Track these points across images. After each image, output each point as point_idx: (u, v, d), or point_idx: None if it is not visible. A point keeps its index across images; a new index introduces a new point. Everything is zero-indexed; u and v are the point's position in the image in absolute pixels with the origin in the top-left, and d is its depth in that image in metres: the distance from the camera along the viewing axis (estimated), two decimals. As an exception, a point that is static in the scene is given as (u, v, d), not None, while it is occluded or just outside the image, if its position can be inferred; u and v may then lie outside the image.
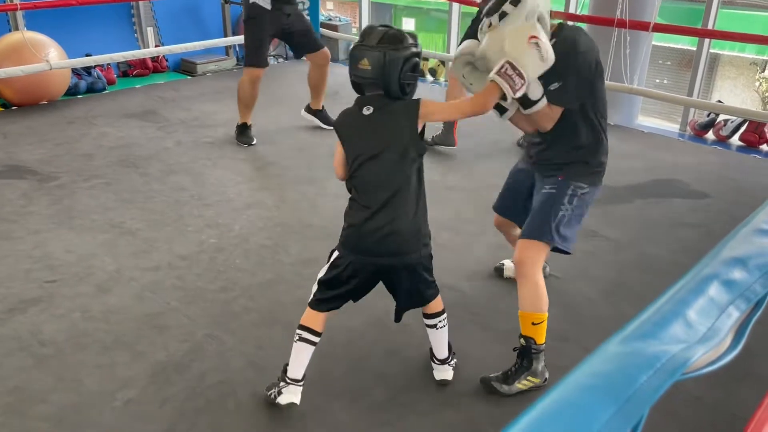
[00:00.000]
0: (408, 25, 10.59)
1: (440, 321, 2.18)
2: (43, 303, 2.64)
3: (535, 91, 2.00)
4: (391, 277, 2.02)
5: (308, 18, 4.50)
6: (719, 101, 5.44)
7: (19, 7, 4.89)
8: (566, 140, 2.19)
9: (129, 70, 6.24)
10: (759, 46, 9.26)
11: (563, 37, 2.05)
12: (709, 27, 4.94)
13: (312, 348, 2.02)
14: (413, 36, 1.89)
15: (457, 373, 2.26)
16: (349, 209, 1.99)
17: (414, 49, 1.85)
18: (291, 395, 2.03)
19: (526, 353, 2.16)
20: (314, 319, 2.02)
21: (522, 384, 2.16)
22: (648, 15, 4.74)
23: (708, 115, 5.06)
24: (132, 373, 2.25)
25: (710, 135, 5.01)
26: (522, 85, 1.84)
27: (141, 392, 2.15)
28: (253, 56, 4.28)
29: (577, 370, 0.51)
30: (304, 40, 4.43)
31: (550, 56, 1.86)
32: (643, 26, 4.69)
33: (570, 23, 2.20)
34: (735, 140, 4.90)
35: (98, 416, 2.06)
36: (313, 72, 4.53)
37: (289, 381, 2.03)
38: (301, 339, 2.02)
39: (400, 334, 2.46)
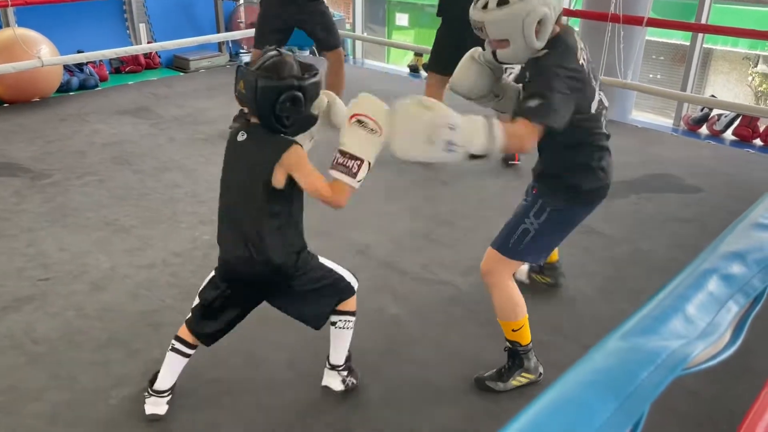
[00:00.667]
0: (401, 20, 10.57)
1: (340, 320, 2.06)
2: (37, 301, 2.62)
3: (476, 141, 1.67)
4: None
5: (329, 14, 4.33)
6: (712, 96, 5.45)
7: (10, 3, 4.84)
8: (547, 157, 2.07)
9: (121, 67, 6.21)
10: (752, 40, 9.29)
11: (555, 48, 1.86)
12: (703, 22, 4.94)
13: None
14: (308, 68, 1.76)
15: (454, 370, 2.26)
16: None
17: (294, 82, 1.69)
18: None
19: (515, 354, 2.16)
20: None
21: (517, 381, 2.16)
22: (641, 10, 4.74)
23: (701, 110, 5.07)
24: (127, 371, 2.24)
25: (704, 130, 5.02)
26: (358, 166, 1.69)
27: (136, 389, 2.14)
28: (255, 37, 4.38)
29: (578, 366, 0.51)
30: (317, 36, 4.36)
31: (383, 127, 1.68)
32: (637, 21, 4.69)
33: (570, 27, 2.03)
34: (728, 135, 4.92)
35: (93, 413, 2.06)
36: (327, 71, 4.42)
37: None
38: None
39: (394, 330, 2.46)
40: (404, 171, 3.75)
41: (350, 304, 2.05)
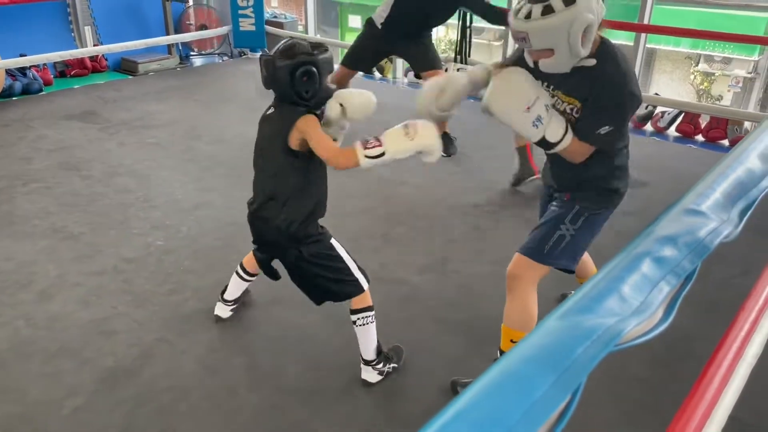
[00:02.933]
0: (354, 22, 10.59)
1: (358, 318, 2.16)
2: (-18, 312, 2.54)
3: (555, 132, 1.85)
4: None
5: (429, 46, 4.27)
6: (656, 94, 5.64)
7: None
8: (580, 166, 1.99)
9: (66, 70, 6.04)
10: (693, 40, 9.66)
11: (609, 70, 1.84)
12: (645, 22, 5.11)
13: None
14: (318, 47, 1.96)
15: (408, 367, 2.29)
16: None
17: (307, 59, 1.91)
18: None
19: None
20: None
21: None
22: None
23: (646, 108, 5.25)
24: (79, 380, 2.19)
25: (648, 127, 5.20)
26: (375, 146, 1.83)
27: (89, 399, 2.10)
28: (350, 57, 4.33)
29: (519, 344, 0.53)
30: (415, 61, 4.39)
31: (420, 136, 1.83)
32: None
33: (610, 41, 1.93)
34: (672, 131, 5.10)
35: (46, 425, 2.00)
36: None
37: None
38: None
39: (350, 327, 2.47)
40: (360, 173, 3.77)
41: (364, 300, 2.15)
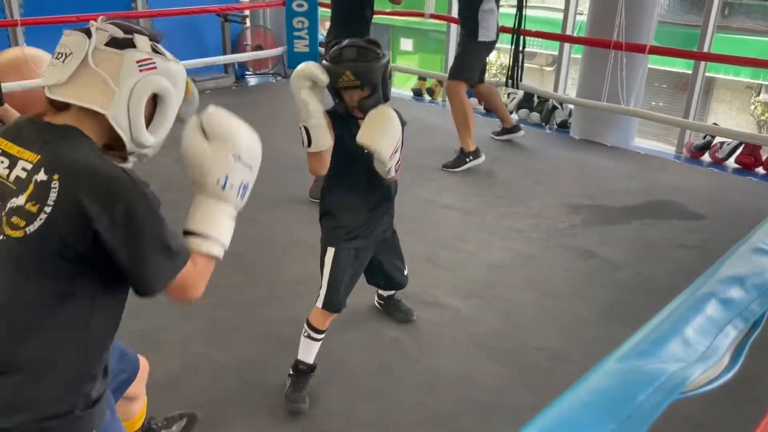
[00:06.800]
0: (406, 45, 10.69)
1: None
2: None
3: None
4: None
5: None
6: (715, 124, 5.47)
7: (19, 23, 4.92)
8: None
9: (128, 87, 6.26)
10: (754, 69, 9.36)
11: None
12: (705, 50, 4.99)
13: None
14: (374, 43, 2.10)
15: (446, 392, 2.24)
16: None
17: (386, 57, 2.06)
18: None
19: None
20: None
21: None
22: (644, 38, 4.79)
23: (704, 138, 5.09)
24: (124, 390, 2.22)
25: (706, 157, 5.03)
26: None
27: (132, 409, 2.12)
28: (466, 72, 4.49)
29: (575, 387, 0.50)
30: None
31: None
32: (639, 48, 4.73)
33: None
34: (731, 162, 4.92)
35: None
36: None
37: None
38: None
39: (391, 351, 2.44)
40: (405, 194, 3.76)
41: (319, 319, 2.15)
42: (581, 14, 5.83)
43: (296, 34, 6.75)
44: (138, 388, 1.72)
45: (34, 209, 1.11)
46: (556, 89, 5.72)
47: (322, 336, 2.15)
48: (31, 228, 1.11)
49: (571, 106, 5.52)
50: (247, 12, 7.08)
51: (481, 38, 4.35)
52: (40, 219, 1.11)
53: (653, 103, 9.67)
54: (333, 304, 2.11)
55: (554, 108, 5.65)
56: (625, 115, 4.96)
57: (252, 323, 2.61)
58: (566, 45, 5.67)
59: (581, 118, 5.33)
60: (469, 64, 4.50)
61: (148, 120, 1.23)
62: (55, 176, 1.12)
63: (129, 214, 1.13)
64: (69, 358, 1.18)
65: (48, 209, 1.11)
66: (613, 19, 4.68)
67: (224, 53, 6.70)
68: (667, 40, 7.20)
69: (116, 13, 5.52)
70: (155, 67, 1.20)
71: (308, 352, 2.15)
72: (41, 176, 1.12)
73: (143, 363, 1.70)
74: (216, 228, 1.30)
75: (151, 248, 1.17)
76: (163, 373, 2.30)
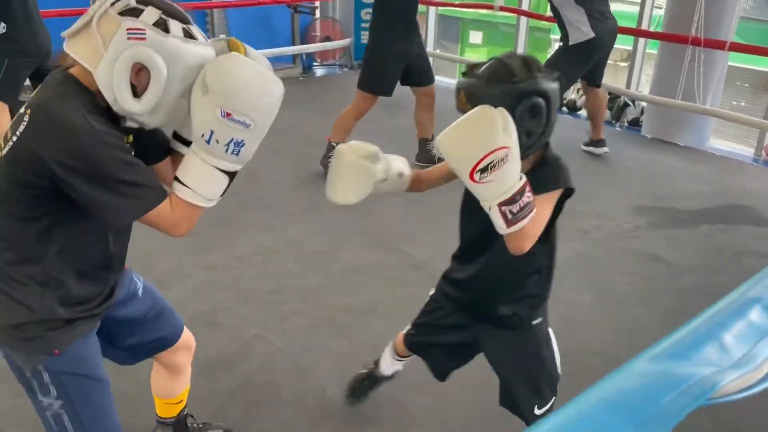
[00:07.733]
0: (475, 38, 10.56)
1: None
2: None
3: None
4: None
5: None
6: (799, 126, 5.15)
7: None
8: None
9: (201, 76, 6.47)
10: None
11: None
12: (790, 48, 4.71)
13: None
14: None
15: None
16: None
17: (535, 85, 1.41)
18: None
19: None
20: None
21: None
22: (724, 33, 4.56)
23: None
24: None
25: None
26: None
27: (190, 386, 2.21)
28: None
29: (599, 385, 0.50)
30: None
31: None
32: (719, 45, 4.51)
33: None
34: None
35: (151, 405, 2.13)
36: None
37: None
38: None
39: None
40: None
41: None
42: (659, 8, 5.61)
43: (363, 25, 6.79)
44: (182, 358, 1.79)
45: (9, 134, 1.28)
46: (628, 86, 5.53)
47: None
48: (4, 152, 1.28)
49: (644, 104, 5.33)
50: (317, 3, 7.18)
51: (572, 41, 4.11)
52: (8, 146, 1.27)
53: (733, 102, 9.19)
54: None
55: (626, 105, 5.47)
56: (700, 114, 4.75)
57: (308, 309, 2.67)
58: (641, 40, 5.47)
59: (654, 116, 5.14)
60: (563, 72, 4.24)
61: (143, 89, 1.27)
62: (29, 111, 1.26)
63: (83, 159, 1.22)
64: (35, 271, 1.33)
65: (15, 138, 1.26)
66: (692, 14, 4.48)
67: (293, 44, 6.82)
68: (753, 37, 6.82)
69: (192, 3, 5.71)
70: (144, 38, 1.23)
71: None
72: (23, 110, 1.28)
73: (188, 335, 1.77)
74: (193, 178, 1.34)
75: (103, 192, 1.25)
76: (219, 354, 2.39)
